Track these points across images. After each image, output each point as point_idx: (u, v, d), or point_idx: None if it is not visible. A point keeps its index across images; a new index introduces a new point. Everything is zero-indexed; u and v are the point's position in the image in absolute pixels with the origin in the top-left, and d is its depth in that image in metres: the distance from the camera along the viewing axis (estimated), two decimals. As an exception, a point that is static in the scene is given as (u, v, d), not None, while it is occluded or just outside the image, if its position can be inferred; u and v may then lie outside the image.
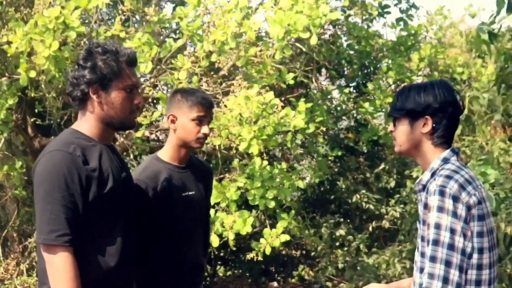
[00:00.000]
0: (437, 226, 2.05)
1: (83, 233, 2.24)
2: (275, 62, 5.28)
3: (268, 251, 4.98)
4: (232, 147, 4.94)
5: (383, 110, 6.55)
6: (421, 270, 2.13)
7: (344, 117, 7.04)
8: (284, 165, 5.19)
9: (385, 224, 6.37)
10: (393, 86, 7.05)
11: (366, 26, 6.89)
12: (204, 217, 3.02)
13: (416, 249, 2.25)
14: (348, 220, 6.77)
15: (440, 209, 2.05)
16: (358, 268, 5.90)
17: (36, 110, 6.10)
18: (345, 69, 7.15)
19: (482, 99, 3.88)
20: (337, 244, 6.43)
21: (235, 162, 5.16)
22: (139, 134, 5.43)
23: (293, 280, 6.96)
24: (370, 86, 6.42)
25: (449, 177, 2.09)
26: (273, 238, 4.97)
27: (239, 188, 4.87)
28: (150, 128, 5.85)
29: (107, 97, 2.32)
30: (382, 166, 6.53)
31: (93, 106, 2.33)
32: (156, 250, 2.83)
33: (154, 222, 2.80)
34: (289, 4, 4.74)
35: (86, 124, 2.36)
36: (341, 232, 6.33)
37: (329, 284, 6.34)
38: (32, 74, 4.61)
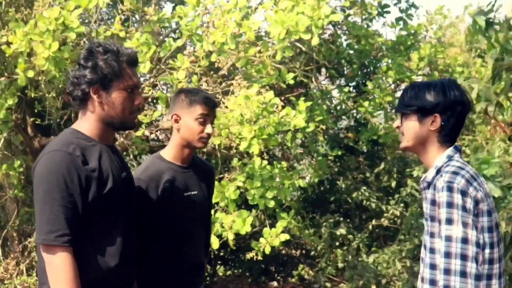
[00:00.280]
0: (449, 222, 2.07)
1: (83, 233, 2.23)
2: (275, 62, 5.28)
3: (267, 250, 4.98)
4: (232, 146, 4.93)
5: (383, 109, 6.55)
6: (431, 266, 2.15)
7: (344, 117, 7.04)
8: (284, 164, 5.19)
9: (384, 221, 6.37)
10: (392, 86, 7.05)
11: (365, 26, 6.88)
12: (205, 217, 3.02)
13: (423, 246, 2.26)
14: (348, 220, 6.77)
15: (450, 204, 2.07)
16: (358, 267, 5.90)
17: (35, 110, 6.10)
18: (345, 68, 7.15)
19: (474, 89, 3.86)
20: (337, 243, 6.43)
21: (235, 161, 5.16)
22: (139, 133, 5.43)
23: (293, 280, 6.96)
24: (369, 85, 6.42)
25: (455, 173, 2.13)
26: (273, 238, 4.97)
27: (238, 187, 4.87)
28: (150, 127, 5.85)
29: (108, 97, 2.31)
30: (382, 165, 6.52)
31: (93, 106, 2.32)
32: (156, 249, 2.83)
33: (154, 221, 2.80)
34: (290, 5, 4.73)
35: (87, 124, 2.35)
36: (341, 231, 6.33)
37: (328, 284, 6.33)
38: (30, 74, 4.61)
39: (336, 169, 6.98)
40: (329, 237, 6.35)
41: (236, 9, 4.90)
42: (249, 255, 5.19)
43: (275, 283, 6.95)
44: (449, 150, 2.23)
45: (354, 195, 6.44)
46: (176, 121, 2.82)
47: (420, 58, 6.55)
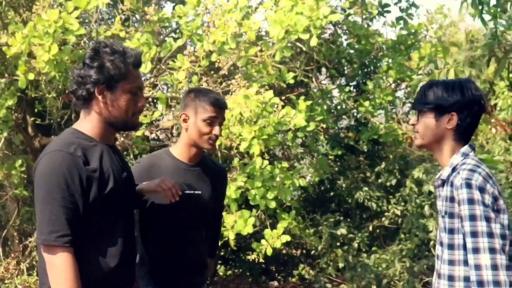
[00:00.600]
0: (472, 218, 2.10)
1: (83, 234, 2.23)
2: (275, 62, 5.27)
3: (269, 252, 4.98)
4: (232, 146, 4.93)
5: (383, 109, 6.55)
6: (450, 262, 2.19)
7: (344, 116, 7.03)
8: (285, 164, 5.19)
9: (385, 221, 6.37)
10: (393, 85, 7.05)
11: (366, 25, 6.88)
12: (211, 217, 3.00)
13: (438, 243, 2.29)
14: (349, 219, 6.76)
15: (471, 201, 2.11)
16: (359, 268, 5.89)
17: (36, 110, 6.11)
18: (345, 68, 7.14)
19: (466, 71, 3.87)
20: (338, 243, 6.42)
21: (235, 161, 5.16)
22: (139, 133, 5.43)
23: (294, 280, 6.96)
24: (370, 85, 6.42)
25: (472, 171, 2.16)
26: (274, 239, 4.97)
27: (239, 187, 4.87)
28: (150, 127, 5.85)
29: (113, 97, 2.31)
30: (383, 165, 6.52)
31: (97, 106, 2.32)
32: (157, 247, 2.83)
33: (154, 218, 2.80)
34: (289, 5, 4.73)
35: (88, 124, 2.35)
36: (341, 231, 6.32)
37: (329, 284, 6.33)
38: (31, 76, 4.61)
39: (336, 169, 6.98)
40: (329, 237, 6.35)
41: (237, 9, 4.90)
42: (250, 257, 5.18)
43: (275, 283, 6.95)
44: (464, 148, 2.27)
45: (354, 196, 6.44)
46: (185, 120, 2.83)
47: (420, 57, 6.55)
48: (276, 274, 7.09)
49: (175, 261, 2.84)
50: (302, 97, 5.38)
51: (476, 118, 2.29)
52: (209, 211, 2.95)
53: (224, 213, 4.98)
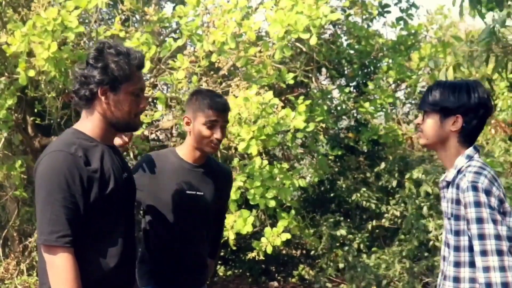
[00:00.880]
0: (479, 221, 2.11)
1: (84, 234, 2.23)
2: (275, 62, 5.27)
3: (269, 250, 4.98)
4: (231, 146, 4.93)
5: (383, 109, 6.55)
6: (456, 263, 2.20)
7: (344, 117, 7.03)
8: (284, 164, 5.19)
9: (385, 222, 6.37)
10: (393, 86, 7.05)
11: (366, 26, 6.89)
12: (212, 218, 2.99)
13: (444, 244, 2.30)
14: (348, 220, 6.76)
15: (477, 203, 2.11)
16: (359, 268, 5.89)
17: (36, 110, 6.11)
18: (345, 68, 7.14)
19: (465, 66, 3.87)
20: (338, 243, 6.42)
21: (235, 161, 5.16)
22: (138, 133, 5.43)
23: (293, 280, 6.96)
24: (370, 85, 6.42)
25: (478, 173, 2.16)
26: (274, 237, 4.97)
27: (239, 188, 4.87)
28: (150, 127, 5.84)
29: (115, 99, 2.30)
30: (383, 165, 6.52)
31: (99, 107, 2.31)
32: (158, 247, 2.83)
33: (157, 219, 2.80)
34: (290, 4, 4.73)
35: (89, 124, 2.34)
36: (341, 231, 6.32)
37: (329, 284, 6.33)
38: (31, 73, 4.60)
39: (336, 169, 6.98)
40: (329, 237, 6.35)
41: (237, 9, 4.90)
42: (250, 255, 5.19)
43: (275, 283, 6.95)
44: (469, 150, 2.27)
45: (354, 197, 6.44)
46: (187, 124, 2.81)
47: (420, 58, 6.55)
48: (276, 275, 7.09)
49: (175, 260, 2.84)
50: (301, 98, 5.38)
51: (482, 121, 2.28)
52: (211, 212, 2.94)
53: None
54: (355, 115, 7.01)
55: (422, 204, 5.68)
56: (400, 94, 7.38)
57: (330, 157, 6.93)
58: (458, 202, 2.18)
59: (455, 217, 2.21)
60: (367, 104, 6.27)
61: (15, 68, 4.87)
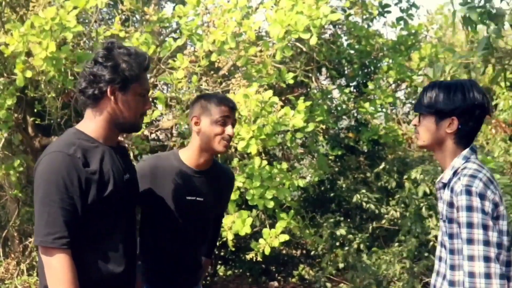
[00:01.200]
0: (469, 225, 2.10)
1: (82, 236, 2.22)
2: (275, 62, 5.27)
3: (267, 251, 4.97)
4: (230, 146, 4.93)
5: (384, 109, 6.54)
6: (451, 267, 2.19)
7: (344, 117, 7.03)
8: (284, 165, 5.19)
9: (385, 223, 6.37)
10: (393, 86, 7.04)
11: (366, 26, 6.88)
12: (211, 221, 2.98)
13: (440, 245, 2.30)
14: (349, 220, 6.76)
15: (469, 208, 2.10)
16: (359, 268, 5.89)
17: (35, 110, 6.11)
18: (346, 68, 7.14)
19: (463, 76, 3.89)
20: (338, 243, 6.42)
21: (235, 161, 5.15)
22: (138, 133, 5.43)
23: (293, 280, 6.95)
24: (370, 85, 6.41)
25: (473, 176, 2.14)
26: (272, 238, 4.96)
27: (238, 188, 4.86)
28: (150, 127, 5.84)
29: (124, 98, 2.30)
30: (383, 165, 6.52)
31: (106, 106, 2.30)
32: (155, 248, 2.83)
33: (151, 218, 2.80)
34: (290, 4, 4.73)
35: (93, 124, 2.33)
36: (341, 231, 6.32)
37: (329, 284, 6.33)
38: (28, 74, 4.59)
39: (336, 169, 6.98)
40: (329, 237, 6.35)
41: (237, 9, 4.90)
42: (249, 256, 5.18)
43: (275, 283, 6.94)
44: (466, 152, 2.25)
45: (354, 199, 6.44)
46: (196, 123, 2.79)
47: (421, 58, 6.54)
48: (276, 274, 7.08)
49: (173, 261, 2.84)
50: (302, 98, 5.38)
51: (478, 122, 2.26)
52: (210, 216, 2.94)
53: (223, 213, 4.98)
54: (355, 115, 7.01)
55: (422, 204, 5.68)
56: (400, 94, 7.38)
57: (330, 157, 6.93)
58: (451, 205, 2.17)
59: (449, 220, 2.20)
60: (367, 104, 6.27)
61: (15, 68, 4.87)
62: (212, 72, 5.62)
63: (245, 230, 4.82)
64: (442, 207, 2.26)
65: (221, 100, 2.78)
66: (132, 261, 2.45)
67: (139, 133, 5.44)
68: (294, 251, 7.30)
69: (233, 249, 5.68)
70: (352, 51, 6.82)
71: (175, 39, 5.55)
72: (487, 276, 2.06)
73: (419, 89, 6.77)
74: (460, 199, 2.11)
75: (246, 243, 6.52)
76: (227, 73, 5.82)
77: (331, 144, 6.77)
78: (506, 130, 6.41)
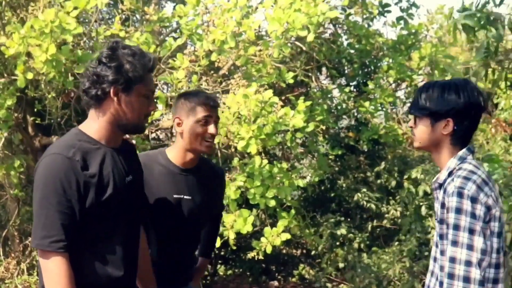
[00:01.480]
0: (456, 228, 2.08)
1: (80, 239, 2.20)
2: (275, 61, 5.27)
3: (269, 250, 4.98)
4: (231, 145, 4.93)
5: (384, 109, 6.54)
6: (441, 267, 2.18)
7: (344, 116, 7.03)
8: (284, 164, 5.19)
9: (386, 223, 6.37)
10: (393, 85, 7.04)
11: (366, 25, 6.88)
12: (204, 220, 2.96)
13: (435, 245, 2.28)
14: (349, 219, 6.76)
15: (458, 210, 2.08)
16: (359, 268, 5.89)
17: (35, 109, 6.11)
18: (346, 68, 7.14)
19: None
20: (338, 243, 6.42)
21: (235, 161, 5.15)
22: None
23: (294, 279, 6.96)
24: (370, 85, 6.41)
25: (467, 178, 2.12)
26: (274, 237, 4.96)
27: (239, 187, 4.86)
28: (150, 127, 5.85)
29: (127, 99, 2.27)
30: (383, 165, 6.52)
31: (109, 107, 2.27)
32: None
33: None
34: (288, 2, 4.73)
35: (95, 125, 2.30)
36: (341, 231, 6.32)
37: (329, 284, 6.33)
38: (30, 76, 4.60)
39: (336, 169, 6.98)
40: (329, 237, 6.35)
41: (236, 8, 4.90)
42: (250, 255, 5.18)
43: (275, 283, 6.95)
44: (462, 152, 2.22)
45: (354, 198, 6.44)
46: (179, 124, 2.77)
47: (421, 57, 6.54)
48: (276, 274, 7.09)
49: (162, 260, 2.82)
50: (302, 98, 5.37)
51: (475, 121, 2.24)
52: (201, 215, 2.90)
53: (223, 213, 4.98)
54: (355, 114, 7.01)
55: (421, 204, 5.68)
56: (400, 93, 7.38)
57: (330, 157, 6.93)
58: (443, 206, 2.16)
59: (440, 221, 2.19)
60: (367, 104, 6.26)
61: (15, 69, 4.87)
62: (212, 72, 5.62)
63: (247, 228, 4.83)
64: (437, 207, 2.25)
65: (202, 99, 2.74)
66: (133, 264, 2.42)
67: (140, 133, 5.44)
68: (294, 251, 7.30)
69: (234, 247, 5.69)
70: (352, 51, 6.81)
71: (175, 39, 5.55)
72: (466, 280, 2.05)
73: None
74: (451, 200, 2.09)
75: (246, 243, 6.52)
76: (227, 73, 5.82)
77: (331, 143, 6.77)
78: (507, 130, 6.42)
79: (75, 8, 4.51)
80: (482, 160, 4.11)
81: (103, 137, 2.30)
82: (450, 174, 2.20)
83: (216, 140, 4.88)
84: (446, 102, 2.19)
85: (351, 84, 7.17)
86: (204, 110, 2.73)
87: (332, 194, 6.94)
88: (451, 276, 2.08)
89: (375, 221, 6.49)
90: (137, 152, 2.67)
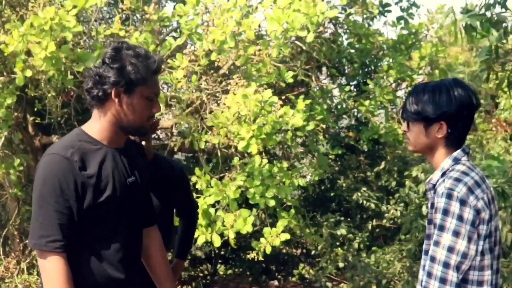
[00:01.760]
0: (441, 228, 2.07)
1: (78, 240, 2.19)
2: (275, 61, 5.26)
3: (268, 250, 4.97)
4: (231, 145, 4.93)
5: (384, 108, 6.54)
6: (424, 267, 2.16)
7: (344, 116, 7.03)
8: (284, 164, 5.19)
9: (386, 223, 6.37)
10: (393, 85, 7.04)
11: (366, 25, 6.88)
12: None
13: (424, 252, 2.26)
14: (349, 219, 6.76)
15: (445, 211, 2.06)
16: (359, 267, 5.89)
17: (36, 109, 6.11)
18: (346, 67, 7.14)
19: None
20: (338, 243, 6.42)
21: (235, 160, 5.15)
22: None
23: (294, 279, 6.96)
24: (370, 84, 6.41)
25: (458, 180, 2.09)
26: (273, 237, 4.96)
27: (239, 186, 4.86)
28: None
29: (129, 101, 2.24)
30: (383, 165, 6.52)
31: (111, 108, 2.25)
32: None
33: None
34: (287, 2, 4.73)
35: (98, 125, 2.28)
36: (341, 231, 6.32)
37: (329, 283, 6.33)
38: (28, 73, 4.59)
39: (336, 168, 6.98)
40: (329, 236, 6.35)
41: (236, 8, 4.90)
42: (250, 255, 5.18)
43: (275, 282, 6.95)
44: (456, 153, 2.20)
45: (354, 196, 6.44)
46: None
47: (421, 57, 6.54)
48: (276, 274, 7.09)
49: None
50: (302, 97, 5.37)
51: (468, 121, 2.21)
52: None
53: (223, 213, 4.98)
54: (355, 114, 7.00)
55: (422, 203, 5.67)
56: (400, 93, 7.37)
57: (330, 156, 6.93)
58: (432, 206, 2.15)
59: (428, 221, 2.19)
60: (367, 102, 6.26)
61: (14, 67, 4.87)
62: (212, 71, 5.62)
63: (247, 228, 4.83)
64: (429, 207, 2.25)
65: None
66: (135, 265, 2.40)
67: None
68: (294, 250, 7.30)
69: (235, 247, 5.69)
70: (352, 50, 6.81)
71: (175, 38, 5.54)
72: (442, 281, 2.04)
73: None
74: (440, 201, 2.08)
75: (246, 242, 6.52)
76: (227, 72, 5.82)
77: (331, 143, 6.77)
78: (507, 129, 6.41)
79: (74, 6, 4.51)
80: (483, 160, 4.10)
81: (105, 138, 2.28)
82: (443, 175, 2.18)
83: (216, 141, 4.88)
84: (438, 106, 2.16)
85: (351, 83, 7.17)
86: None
87: (332, 194, 6.94)
88: (429, 275, 2.08)
89: (375, 220, 6.49)
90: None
